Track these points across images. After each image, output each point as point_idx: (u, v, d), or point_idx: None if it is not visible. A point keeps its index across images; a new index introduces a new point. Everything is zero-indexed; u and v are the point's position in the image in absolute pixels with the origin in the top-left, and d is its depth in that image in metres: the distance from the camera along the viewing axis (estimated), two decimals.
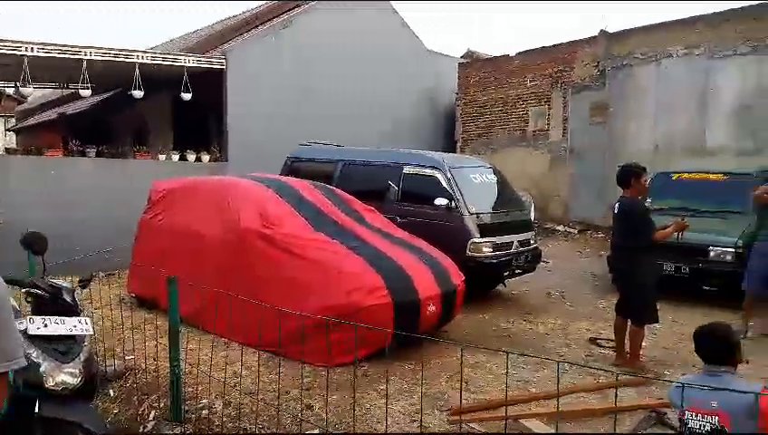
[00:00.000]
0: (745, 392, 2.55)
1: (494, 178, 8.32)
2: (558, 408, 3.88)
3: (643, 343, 5.46)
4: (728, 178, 8.18)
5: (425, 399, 4.44)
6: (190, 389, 4.46)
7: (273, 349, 4.88)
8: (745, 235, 7.07)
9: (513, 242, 7.53)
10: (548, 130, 14.26)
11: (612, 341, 5.55)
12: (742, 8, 11.28)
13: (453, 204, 7.23)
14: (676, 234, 5.19)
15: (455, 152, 15.10)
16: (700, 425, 2.68)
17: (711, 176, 8.43)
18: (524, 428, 3.86)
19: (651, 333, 6.08)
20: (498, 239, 7.36)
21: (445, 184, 7.41)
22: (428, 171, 7.67)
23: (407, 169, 7.83)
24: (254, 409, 4.11)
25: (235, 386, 4.43)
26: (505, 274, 7.65)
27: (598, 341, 5.99)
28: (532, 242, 7.99)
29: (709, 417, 2.66)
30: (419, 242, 6.20)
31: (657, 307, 5.25)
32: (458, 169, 7.76)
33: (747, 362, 4.26)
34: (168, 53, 12.11)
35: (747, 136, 10.85)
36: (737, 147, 10.89)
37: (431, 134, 15.94)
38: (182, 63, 11.51)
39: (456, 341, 5.85)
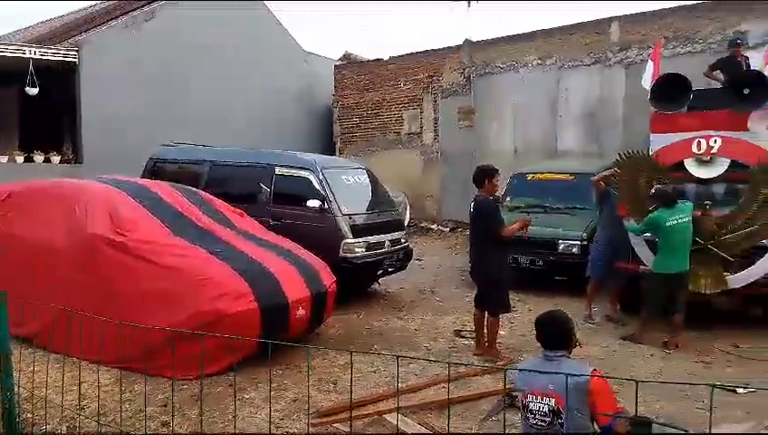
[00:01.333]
0: (578, 375, 2.77)
1: (366, 180, 8.45)
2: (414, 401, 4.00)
3: (501, 332, 5.85)
4: (575, 177, 8.99)
5: (292, 404, 4.38)
6: (31, 415, 4.02)
7: (130, 366, 4.55)
8: (589, 228, 7.83)
9: (385, 241, 7.70)
10: (421, 132, 14.79)
11: (474, 331, 5.86)
12: (586, 22, 12.48)
13: (325, 205, 7.23)
14: (523, 230, 5.58)
15: (333, 154, 15.15)
16: (539, 407, 2.88)
17: (560, 176, 9.21)
18: (388, 423, 3.94)
19: (509, 321, 6.53)
20: (371, 239, 7.48)
21: (317, 185, 7.39)
22: (300, 173, 7.61)
23: (278, 171, 7.71)
24: (102, 431, 3.79)
25: (82, 408, 4.06)
26: (378, 273, 7.80)
27: (462, 333, 6.31)
28: (403, 241, 8.22)
29: (547, 398, 2.86)
30: (288, 244, 6.11)
31: (512, 298, 5.64)
32: (331, 171, 7.78)
33: (581, 346, 4.70)
34: (10, 43, 10.88)
35: (592, 140, 12.04)
36: (584, 150, 12.04)
37: (308, 135, 15.86)
38: (27, 55, 10.40)
39: (323, 345, 5.86)
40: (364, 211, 7.82)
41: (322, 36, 43.44)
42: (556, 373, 2.77)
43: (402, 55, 15.09)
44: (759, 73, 7.12)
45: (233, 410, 4.18)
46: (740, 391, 4.51)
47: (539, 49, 12.91)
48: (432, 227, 14.07)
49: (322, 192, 7.32)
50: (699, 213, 6.11)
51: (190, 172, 8.16)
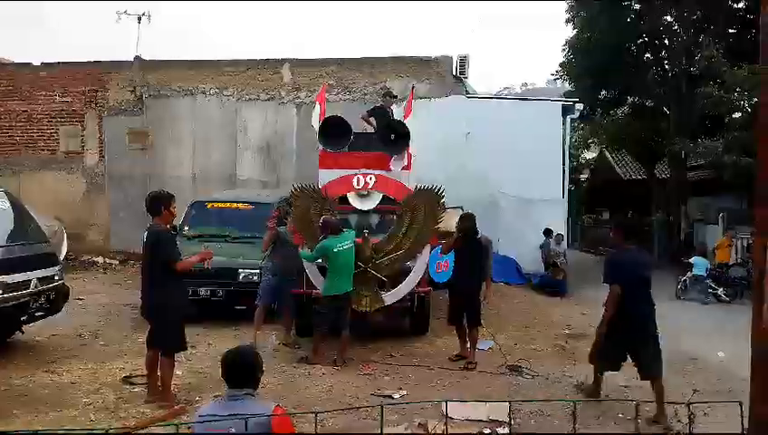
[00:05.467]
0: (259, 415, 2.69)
1: (6, 205, 6.91)
2: None
3: (177, 372, 5.43)
4: (254, 207, 9.15)
5: None
6: None
7: None
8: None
9: (31, 280, 6.39)
10: (83, 153, 13.04)
11: (146, 376, 5.29)
12: (260, 60, 13.03)
13: None
14: (205, 262, 5.36)
15: None
16: None
17: (240, 205, 9.26)
18: None
19: (187, 359, 6.13)
20: (10, 278, 6.10)
21: None
22: None
23: None
24: None
25: None
26: (23, 319, 6.42)
27: (131, 379, 5.63)
28: (57, 278, 6.97)
29: None
30: None
31: (191, 332, 5.31)
32: None
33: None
34: None
35: (270, 170, 12.55)
36: (263, 179, 12.45)
37: None
38: None
39: None
40: (3, 244, 6.36)
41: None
42: (236, 416, 2.65)
43: (59, 63, 13.13)
44: (402, 123, 8.50)
45: None
46: (395, 396, 5.16)
47: (215, 79, 12.91)
48: (97, 259, 12.44)
49: None
50: (360, 240, 6.88)
51: None
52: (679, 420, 3.32)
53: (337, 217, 6.81)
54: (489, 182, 12.50)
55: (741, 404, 2.09)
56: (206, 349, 6.61)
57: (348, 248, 6.43)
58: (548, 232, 12.57)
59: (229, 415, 2.70)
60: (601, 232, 23.46)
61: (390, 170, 7.74)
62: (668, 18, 16.98)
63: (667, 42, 17.47)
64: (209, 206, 9.28)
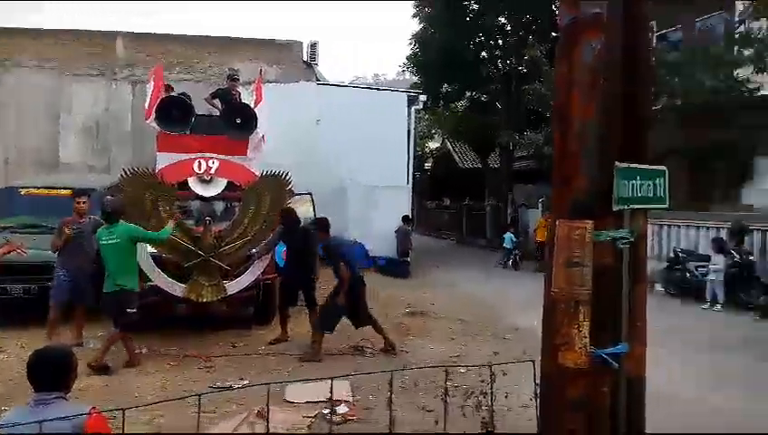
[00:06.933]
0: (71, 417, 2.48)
1: None
2: None
3: None
4: None
5: None
6: None
7: None
8: None
9: None
10: None
11: None
12: (92, 31, 11.81)
13: None
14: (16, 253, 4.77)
15: None
16: None
17: (61, 192, 8.30)
18: None
19: None
20: None
21: None
22: None
23: None
24: None
25: None
26: None
27: None
28: None
29: None
30: None
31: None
32: None
33: None
34: None
35: (99, 154, 11.45)
36: (89, 163, 11.33)
37: None
38: None
39: None
40: None
41: None
42: (44, 421, 2.41)
43: None
44: (248, 106, 8.26)
45: None
46: (235, 386, 5.05)
47: (35, 50, 11.44)
48: None
49: None
50: (201, 228, 6.59)
51: None
52: (482, 381, 3.73)
53: (118, 200, 6.17)
54: (339, 169, 12.70)
55: (534, 362, 2.37)
56: (17, 353, 5.88)
57: (112, 244, 5.70)
58: (406, 219, 13.21)
59: (35, 421, 2.45)
60: (443, 217, 25.13)
61: (246, 156, 7.53)
62: (502, 19, 18.47)
63: (500, 41, 19.01)
64: (24, 193, 8.23)
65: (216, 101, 9.29)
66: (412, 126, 14.56)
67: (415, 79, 20.96)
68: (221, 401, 4.61)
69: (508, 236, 14.80)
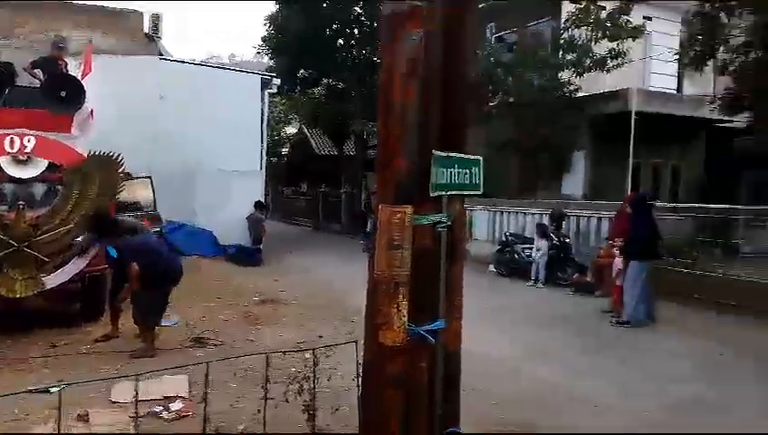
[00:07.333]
0: None
1: None
2: None
3: None
4: None
5: None
6: None
7: None
8: None
9: None
10: None
11: None
12: None
13: None
14: None
15: None
16: None
17: None
18: None
19: None
20: None
21: None
22: None
23: None
24: None
25: None
26: None
27: None
28: None
29: None
30: None
31: None
32: None
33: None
34: None
35: None
36: None
37: None
38: None
39: None
40: None
41: None
42: None
43: None
44: (75, 78, 7.44)
45: None
46: (53, 390, 4.54)
47: None
48: None
49: None
50: (12, 214, 5.81)
51: None
52: (306, 365, 3.80)
53: None
54: (186, 152, 12.00)
55: (356, 342, 2.42)
56: None
57: None
58: (259, 205, 12.85)
59: None
60: (300, 203, 24.98)
61: (70, 134, 6.75)
62: (357, 9, 18.60)
63: (356, 31, 19.15)
64: None
65: (38, 72, 8.25)
66: (266, 110, 14.17)
67: (271, 62, 20.40)
68: (37, 407, 4.13)
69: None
